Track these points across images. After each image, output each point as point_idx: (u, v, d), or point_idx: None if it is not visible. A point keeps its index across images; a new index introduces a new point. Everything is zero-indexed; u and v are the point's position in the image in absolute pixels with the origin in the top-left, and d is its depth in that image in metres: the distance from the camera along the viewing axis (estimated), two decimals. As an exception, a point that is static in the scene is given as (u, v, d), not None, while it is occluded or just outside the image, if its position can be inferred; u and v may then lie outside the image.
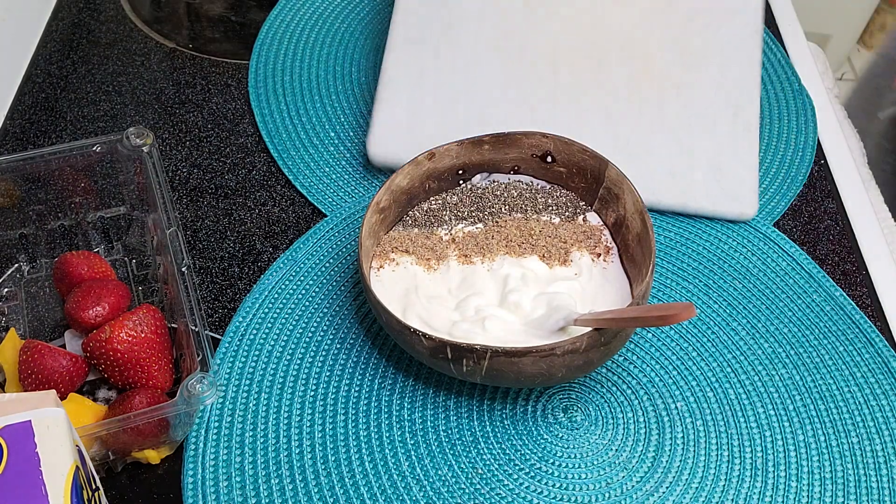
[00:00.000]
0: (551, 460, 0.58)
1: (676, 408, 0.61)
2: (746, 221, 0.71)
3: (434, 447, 0.58)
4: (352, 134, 0.76)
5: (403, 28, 0.76)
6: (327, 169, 0.73)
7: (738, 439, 0.59)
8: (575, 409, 0.60)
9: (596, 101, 0.73)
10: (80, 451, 0.43)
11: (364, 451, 0.57)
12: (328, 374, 0.61)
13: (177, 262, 0.57)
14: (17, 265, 0.65)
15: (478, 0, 0.77)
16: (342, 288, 0.65)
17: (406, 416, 0.59)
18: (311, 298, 0.65)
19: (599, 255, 0.62)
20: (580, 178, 0.65)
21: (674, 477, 0.57)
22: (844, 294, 0.67)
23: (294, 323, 0.63)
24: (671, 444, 0.59)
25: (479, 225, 0.65)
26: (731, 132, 0.72)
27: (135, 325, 0.55)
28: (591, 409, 0.60)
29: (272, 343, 0.62)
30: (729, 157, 0.71)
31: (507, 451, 0.58)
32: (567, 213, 0.65)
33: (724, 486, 0.57)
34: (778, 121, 0.79)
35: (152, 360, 0.56)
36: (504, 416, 0.60)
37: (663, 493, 0.57)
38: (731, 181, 0.70)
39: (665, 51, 0.73)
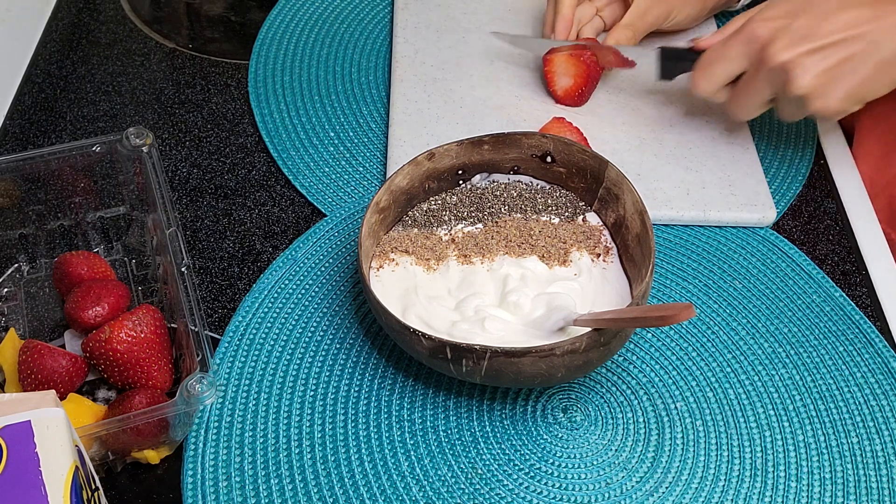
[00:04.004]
0: (551, 460, 0.58)
1: (676, 408, 0.61)
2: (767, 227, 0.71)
3: (434, 447, 0.58)
4: (351, 134, 0.76)
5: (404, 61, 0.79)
6: (327, 169, 0.73)
7: (738, 439, 0.59)
8: (575, 409, 0.60)
9: (598, 133, 0.74)
10: (79, 452, 0.43)
11: (364, 451, 0.57)
12: (328, 374, 0.61)
13: (176, 262, 0.57)
14: (16, 265, 0.65)
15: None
16: (342, 288, 0.65)
17: (406, 416, 0.59)
18: (310, 298, 0.65)
19: (599, 255, 0.62)
20: (580, 178, 0.65)
21: (673, 477, 0.57)
22: (844, 294, 0.67)
23: (294, 323, 0.63)
24: (671, 444, 0.59)
25: (479, 225, 0.65)
26: (729, 151, 0.75)
27: (134, 325, 0.55)
28: (590, 409, 0.60)
29: (272, 343, 0.62)
30: (736, 171, 0.73)
31: (507, 451, 0.58)
32: (567, 214, 0.65)
33: (723, 486, 0.57)
34: (778, 121, 0.79)
35: (152, 360, 0.56)
36: (504, 416, 0.60)
37: (663, 493, 0.57)
38: (744, 191, 0.72)
39: (652, 92, 0.78)
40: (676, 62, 0.72)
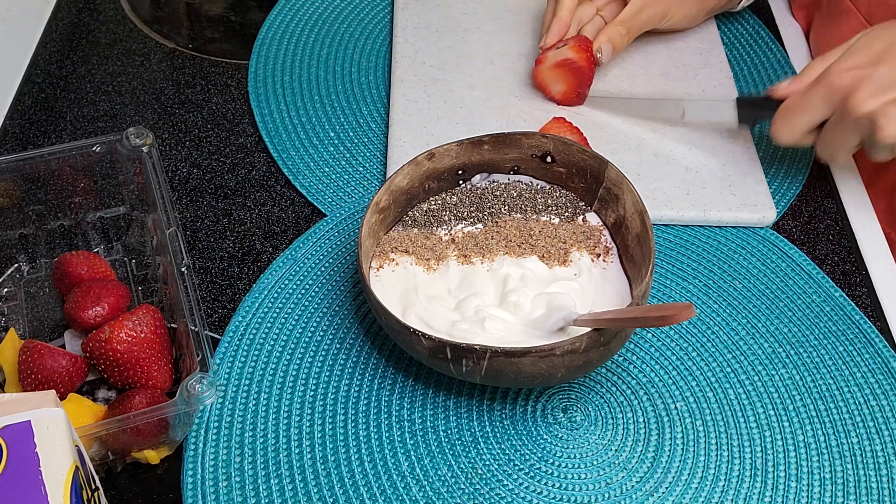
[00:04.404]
0: (551, 460, 0.58)
1: (676, 408, 0.61)
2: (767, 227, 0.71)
3: (434, 447, 0.58)
4: (351, 134, 0.76)
5: (404, 62, 0.79)
6: (327, 169, 0.73)
7: (738, 439, 0.59)
8: (575, 409, 0.60)
9: (598, 133, 0.74)
10: (79, 452, 0.43)
11: (364, 451, 0.57)
12: (328, 374, 0.61)
13: (176, 262, 0.57)
14: (16, 265, 0.65)
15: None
16: (342, 288, 0.65)
17: (406, 416, 0.59)
18: (310, 298, 0.65)
19: (599, 255, 0.62)
20: (580, 178, 0.65)
21: (673, 477, 0.57)
22: (844, 294, 0.67)
23: (294, 323, 0.63)
24: (671, 444, 0.59)
25: (479, 225, 0.65)
26: (729, 151, 0.75)
27: (134, 325, 0.55)
28: (590, 409, 0.60)
29: (272, 343, 0.62)
30: (736, 171, 0.73)
31: (507, 452, 0.58)
32: (567, 214, 0.65)
33: (723, 486, 0.57)
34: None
35: (152, 361, 0.56)
36: (504, 416, 0.60)
37: (663, 493, 0.57)
38: (744, 191, 0.71)
39: (652, 97, 0.78)
40: (754, 110, 0.73)
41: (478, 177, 0.66)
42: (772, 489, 0.57)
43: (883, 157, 0.67)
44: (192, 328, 0.54)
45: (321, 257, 0.67)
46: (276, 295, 0.65)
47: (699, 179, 0.72)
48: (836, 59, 0.66)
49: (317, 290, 0.65)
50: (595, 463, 0.58)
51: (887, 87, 0.62)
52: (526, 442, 0.58)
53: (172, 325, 0.58)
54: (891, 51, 0.64)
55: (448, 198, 0.66)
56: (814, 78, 0.66)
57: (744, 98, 0.74)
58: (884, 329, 0.66)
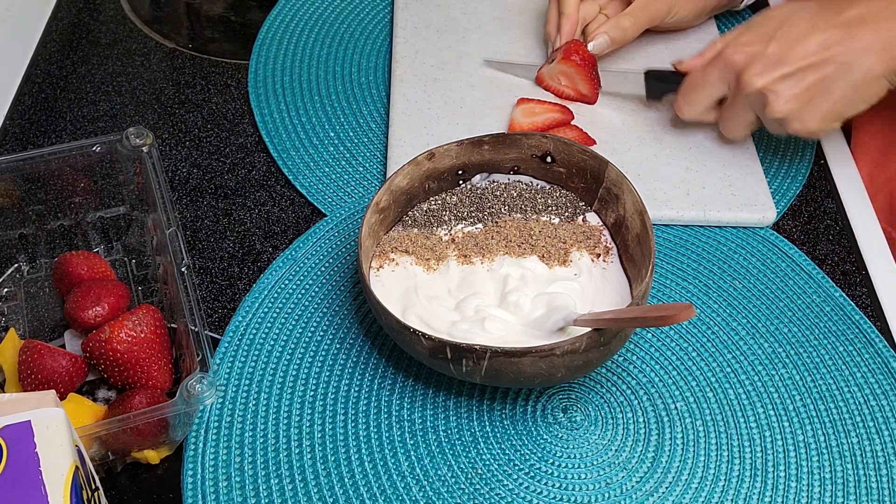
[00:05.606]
0: (551, 460, 0.58)
1: (676, 408, 0.61)
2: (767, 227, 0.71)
3: (434, 447, 0.58)
4: (351, 134, 0.76)
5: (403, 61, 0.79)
6: (327, 169, 0.73)
7: (738, 439, 0.59)
8: (575, 409, 0.60)
9: (598, 133, 0.74)
10: (79, 451, 0.43)
11: (364, 451, 0.57)
12: (328, 374, 0.61)
13: (176, 262, 0.57)
14: (16, 265, 0.65)
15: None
16: (342, 288, 0.65)
17: (406, 416, 0.59)
18: (310, 298, 0.65)
19: (599, 255, 0.62)
20: (580, 178, 0.65)
21: (673, 477, 0.57)
22: (844, 294, 0.67)
23: (294, 323, 0.63)
24: (671, 444, 0.59)
25: (479, 225, 0.65)
26: (729, 151, 0.75)
27: (134, 325, 0.55)
28: (590, 409, 0.60)
29: (272, 343, 0.62)
30: (736, 171, 0.73)
31: (507, 452, 0.58)
32: (567, 214, 0.65)
33: (723, 486, 0.57)
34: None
35: (152, 361, 0.56)
36: (504, 416, 0.60)
37: (663, 493, 0.57)
38: (744, 191, 0.72)
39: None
40: (662, 83, 0.74)
41: (478, 177, 0.66)
42: (772, 489, 0.57)
43: (777, 132, 0.69)
44: (192, 328, 0.54)
45: (321, 257, 0.67)
46: (276, 295, 0.65)
47: (699, 179, 0.72)
48: (733, 35, 0.67)
49: (317, 290, 0.65)
50: (595, 463, 0.58)
51: (777, 63, 0.64)
52: (526, 442, 0.58)
53: (172, 325, 0.58)
54: (782, 29, 0.65)
55: (448, 198, 0.66)
56: (713, 52, 0.68)
57: (653, 72, 0.75)
58: (884, 329, 0.66)
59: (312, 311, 0.64)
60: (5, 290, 0.64)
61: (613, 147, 0.74)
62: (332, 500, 0.55)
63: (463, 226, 0.65)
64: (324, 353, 0.62)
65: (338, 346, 0.62)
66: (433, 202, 0.66)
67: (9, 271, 0.64)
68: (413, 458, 0.57)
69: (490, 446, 0.58)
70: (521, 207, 0.65)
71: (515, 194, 0.65)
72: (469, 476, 0.57)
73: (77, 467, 0.41)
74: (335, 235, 0.68)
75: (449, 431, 0.59)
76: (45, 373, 0.54)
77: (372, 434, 0.58)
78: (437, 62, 0.80)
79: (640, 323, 0.52)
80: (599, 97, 0.77)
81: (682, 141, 0.75)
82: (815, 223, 0.73)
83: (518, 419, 0.60)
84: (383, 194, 0.61)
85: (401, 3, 0.85)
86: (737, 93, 0.67)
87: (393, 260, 0.62)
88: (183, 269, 0.56)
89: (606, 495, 0.56)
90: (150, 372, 0.56)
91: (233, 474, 0.56)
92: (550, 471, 0.57)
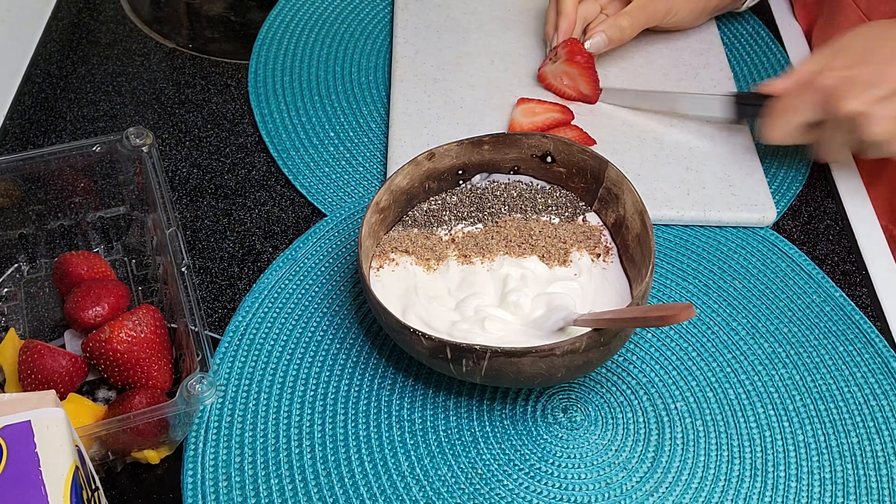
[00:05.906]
0: (551, 460, 0.58)
1: (676, 408, 0.61)
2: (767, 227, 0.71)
3: (434, 447, 0.58)
4: (351, 134, 0.76)
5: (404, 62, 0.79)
6: (327, 169, 0.73)
7: (738, 439, 0.59)
8: (575, 409, 0.60)
9: (598, 133, 0.74)
10: (79, 451, 0.43)
11: (364, 451, 0.57)
12: (328, 374, 0.61)
13: (176, 262, 0.57)
14: (16, 265, 0.65)
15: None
16: (342, 288, 0.65)
17: (406, 416, 0.59)
18: (310, 298, 0.65)
19: (599, 255, 0.62)
20: (580, 178, 0.65)
21: (673, 477, 0.57)
22: (844, 294, 0.67)
23: (294, 323, 0.63)
24: (671, 444, 0.59)
25: (479, 225, 0.65)
26: (729, 151, 0.75)
27: (134, 325, 0.55)
28: (590, 409, 0.60)
29: (272, 343, 0.62)
30: (736, 171, 0.73)
31: (507, 452, 0.58)
32: (567, 214, 0.65)
33: (723, 486, 0.57)
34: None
35: (152, 360, 0.56)
36: (504, 416, 0.60)
37: (663, 493, 0.57)
38: (744, 191, 0.72)
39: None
40: (748, 106, 0.73)
41: (478, 177, 0.66)
42: (772, 489, 0.57)
43: (876, 155, 0.68)
44: (192, 328, 0.54)
45: (321, 257, 0.67)
46: (276, 295, 0.65)
47: (699, 179, 0.72)
48: (824, 59, 0.67)
49: (317, 290, 0.65)
50: (595, 463, 0.58)
51: (870, 86, 0.64)
52: (526, 442, 0.58)
53: (172, 325, 0.58)
54: (873, 51, 0.65)
55: (448, 198, 0.66)
56: (803, 76, 0.67)
57: (741, 94, 0.74)
58: (884, 329, 0.66)
59: (312, 311, 0.64)
60: (5, 290, 0.64)
61: (613, 147, 0.74)
62: (332, 500, 0.55)
63: (463, 226, 0.65)
64: (324, 353, 0.62)
65: (338, 346, 0.62)
66: (433, 202, 0.66)
67: (9, 271, 0.64)
68: (413, 458, 0.57)
69: (490, 446, 0.58)
70: (521, 207, 0.65)
71: (515, 194, 0.65)
72: (469, 476, 0.57)
73: (77, 467, 0.41)
74: (335, 235, 0.68)
75: (449, 431, 0.59)
76: (45, 373, 0.54)
77: (372, 434, 0.58)
78: (437, 62, 0.80)
79: (640, 323, 0.52)
80: (599, 99, 0.77)
81: (682, 141, 0.75)
82: (815, 223, 0.73)
83: (518, 419, 0.60)
84: (383, 194, 0.61)
85: (401, 3, 0.85)
86: (832, 118, 0.66)
87: (393, 260, 0.62)
88: (183, 269, 0.56)
89: (606, 495, 0.56)
90: (150, 372, 0.56)
91: (233, 474, 0.56)
92: (550, 471, 0.57)
